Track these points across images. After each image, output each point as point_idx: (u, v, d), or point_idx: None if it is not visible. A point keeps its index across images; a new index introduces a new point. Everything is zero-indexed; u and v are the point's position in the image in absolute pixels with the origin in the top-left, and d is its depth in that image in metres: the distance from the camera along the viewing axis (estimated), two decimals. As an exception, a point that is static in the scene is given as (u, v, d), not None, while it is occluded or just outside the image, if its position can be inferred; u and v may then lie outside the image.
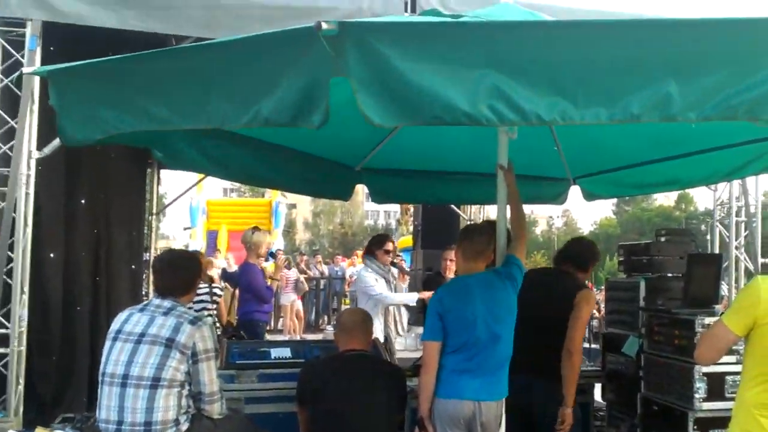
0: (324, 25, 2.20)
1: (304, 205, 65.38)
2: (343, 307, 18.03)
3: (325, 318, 17.03)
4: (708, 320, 4.06)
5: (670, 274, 5.17)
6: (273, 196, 25.51)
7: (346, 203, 64.54)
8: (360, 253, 23.91)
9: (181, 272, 3.44)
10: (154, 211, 10.14)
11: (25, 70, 4.45)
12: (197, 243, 20.71)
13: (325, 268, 19.18)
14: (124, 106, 2.97)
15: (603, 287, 16.94)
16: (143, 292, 8.48)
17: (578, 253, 4.42)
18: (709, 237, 9.53)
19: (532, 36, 2.42)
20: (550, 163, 5.67)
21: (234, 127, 2.67)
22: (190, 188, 11.96)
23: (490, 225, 4.09)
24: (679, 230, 6.89)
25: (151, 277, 9.69)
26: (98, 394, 3.24)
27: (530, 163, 5.07)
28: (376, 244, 6.00)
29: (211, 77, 2.66)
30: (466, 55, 2.33)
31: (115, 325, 3.31)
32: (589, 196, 6.20)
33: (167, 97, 2.81)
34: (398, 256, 6.14)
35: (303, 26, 2.32)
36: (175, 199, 11.08)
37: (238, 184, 59.06)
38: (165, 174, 11.19)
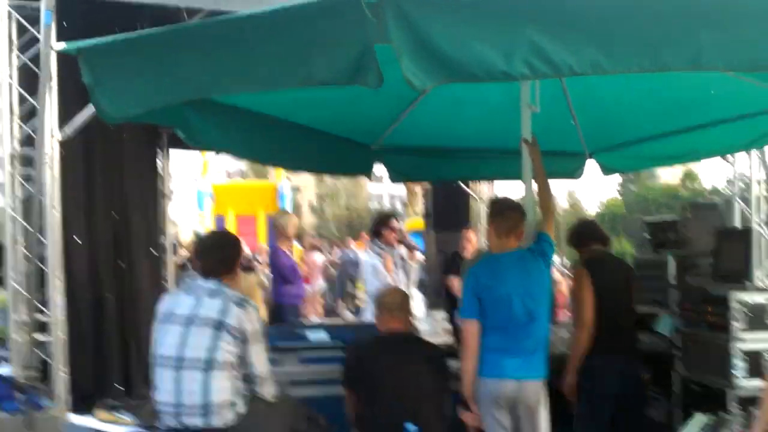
0: None
1: (309, 188, 65.32)
2: (358, 292, 18.06)
3: (342, 303, 17.06)
4: (741, 296, 4.01)
5: (698, 251, 5.14)
6: (277, 178, 25.46)
7: (350, 186, 64.72)
8: (368, 235, 23.98)
9: (223, 253, 3.47)
10: (167, 192, 10.11)
11: (54, 46, 4.40)
12: (206, 229, 20.74)
13: (337, 252, 19.20)
14: (162, 78, 2.98)
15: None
16: (163, 275, 8.46)
17: (595, 230, 4.59)
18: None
19: None
20: (566, 137, 5.65)
21: (285, 87, 2.73)
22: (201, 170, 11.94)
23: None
24: (706, 204, 6.84)
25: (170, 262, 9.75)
26: (153, 376, 3.27)
27: (546, 138, 5.08)
28: (381, 224, 5.98)
29: (254, 44, 2.71)
30: (500, 12, 2.39)
31: (162, 308, 3.34)
32: (606, 170, 6.18)
33: (211, 65, 2.84)
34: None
35: None
36: (186, 182, 11.04)
37: (240, 168, 59.20)
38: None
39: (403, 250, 6.12)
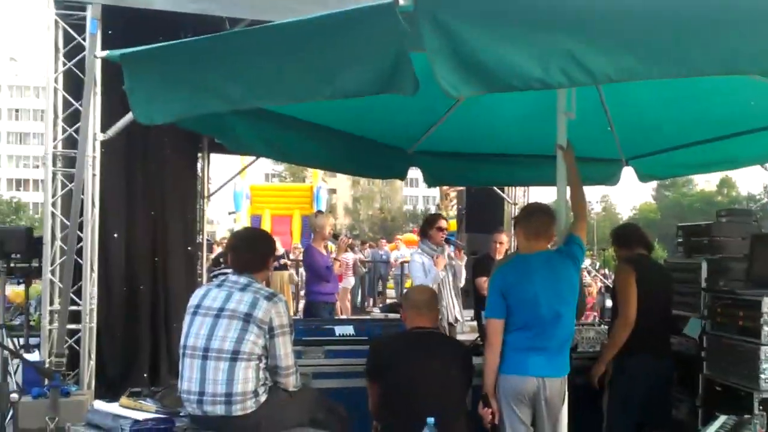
0: (401, 1, 2.30)
1: (344, 191, 65.80)
2: (388, 291, 18.20)
3: (371, 301, 17.20)
4: None
5: (731, 255, 5.10)
6: (314, 181, 25.76)
7: (385, 188, 65.15)
8: (401, 237, 24.19)
9: (257, 249, 3.54)
10: (206, 194, 10.36)
11: (99, 53, 4.57)
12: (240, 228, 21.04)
13: (369, 252, 19.35)
14: (198, 88, 3.03)
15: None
16: (198, 272, 8.69)
17: (643, 235, 4.59)
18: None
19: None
20: (603, 144, 5.61)
21: (315, 99, 2.75)
22: (237, 174, 12.19)
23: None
24: (742, 210, 6.81)
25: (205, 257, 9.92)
26: (180, 366, 3.35)
27: (583, 145, 5.06)
28: (427, 224, 6.09)
29: (288, 55, 2.72)
30: (536, 21, 2.38)
31: (194, 300, 3.41)
32: (643, 176, 6.12)
33: (243, 77, 2.87)
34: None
35: (380, 3, 2.39)
36: (224, 184, 11.28)
37: (279, 170, 60.04)
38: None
39: (450, 249, 6.09)
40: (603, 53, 2.33)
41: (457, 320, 6.06)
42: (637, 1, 2.40)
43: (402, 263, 17.96)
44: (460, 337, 5.88)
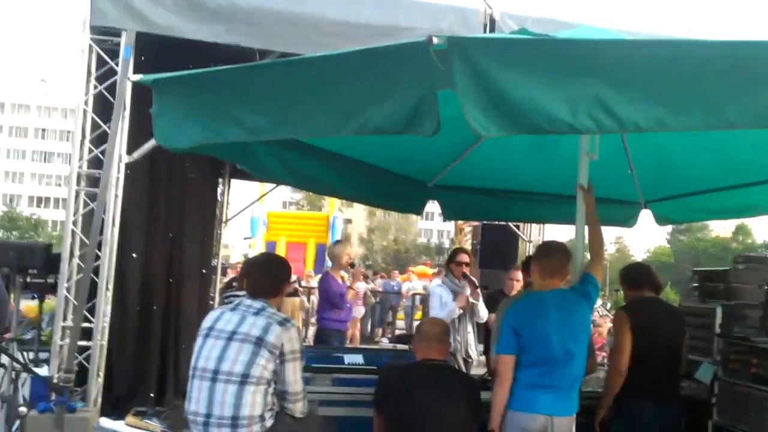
0: (435, 40, 2.34)
1: (360, 221, 65.97)
2: (398, 321, 18.14)
3: (380, 331, 17.13)
4: None
5: (747, 302, 5.09)
6: (330, 210, 25.87)
7: (400, 221, 65.31)
8: (414, 269, 24.15)
9: (272, 275, 3.56)
10: (224, 219, 10.45)
11: (132, 77, 4.66)
12: (256, 253, 21.11)
13: (379, 282, 19.33)
14: (222, 116, 3.09)
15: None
16: (211, 296, 8.74)
17: (652, 276, 4.47)
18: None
19: (632, 51, 2.50)
20: (623, 186, 5.64)
21: (339, 135, 2.78)
22: (256, 201, 12.30)
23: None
24: (760, 258, 6.78)
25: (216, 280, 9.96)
26: (189, 387, 3.36)
27: (603, 186, 5.08)
28: (450, 258, 6.11)
29: (314, 89, 2.77)
30: (567, 68, 2.41)
31: (207, 323, 3.43)
32: (661, 220, 6.14)
33: (268, 108, 2.93)
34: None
35: (413, 41, 2.44)
36: (242, 210, 11.39)
37: (297, 198, 60.36)
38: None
39: (467, 287, 6.01)
40: (633, 102, 2.36)
41: (470, 356, 6.02)
42: (671, 52, 2.43)
43: (413, 295, 17.94)
44: (473, 372, 5.85)
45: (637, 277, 4.47)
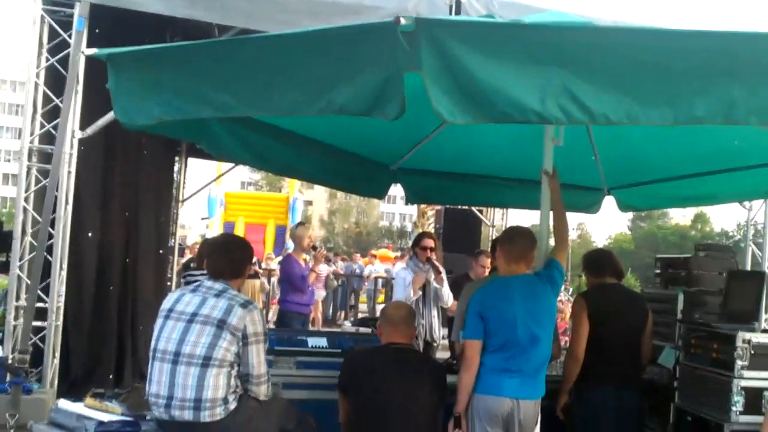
0: (402, 21, 2.26)
1: (320, 203, 65.78)
2: (360, 305, 18.15)
3: (342, 314, 17.12)
4: (749, 336, 4.09)
5: (707, 289, 5.19)
6: (290, 191, 25.67)
7: (362, 203, 65.26)
8: (376, 253, 24.16)
9: (234, 256, 3.48)
10: (181, 199, 10.25)
11: (86, 51, 4.49)
12: (214, 234, 20.88)
13: (341, 265, 19.28)
14: (185, 93, 3.00)
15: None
16: (168, 276, 8.60)
17: (614, 263, 4.47)
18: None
19: (601, 38, 2.47)
20: (587, 172, 5.67)
21: (304, 114, 2.70)
22: (214, 181, 12.11)
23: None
24: (720, 246, 6.96)
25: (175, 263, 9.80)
26: (149, 369, 3.28)
27: (567, 172, 5.08)
28: (415, 242, 6.09)
29: (280, 67, 2.68)
30: (536, 55, 2.36)
31: (166, 304, 3.35)
32: (624, 206, 6.20)
33: (232, 85, 2.83)
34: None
35: (381, 21, 2.38)
36: (199, 189, 11.19)
37: (255, 178, 59.88)
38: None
39: (431, 271, 5.99)
40: (603, 94, 2.34)
41: (434, 340, 6.01)
42: (642, 47, 2.40)
43: (376, 278, 17.94)
44: (437, 356, 5.84)
45: (599, 263, 4.47)
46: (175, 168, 9.42)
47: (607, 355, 4.07)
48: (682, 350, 4.59)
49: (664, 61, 2.37)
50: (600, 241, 63.89)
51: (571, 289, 19.46)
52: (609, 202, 6.32)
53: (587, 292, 4.39)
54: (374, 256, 21.86)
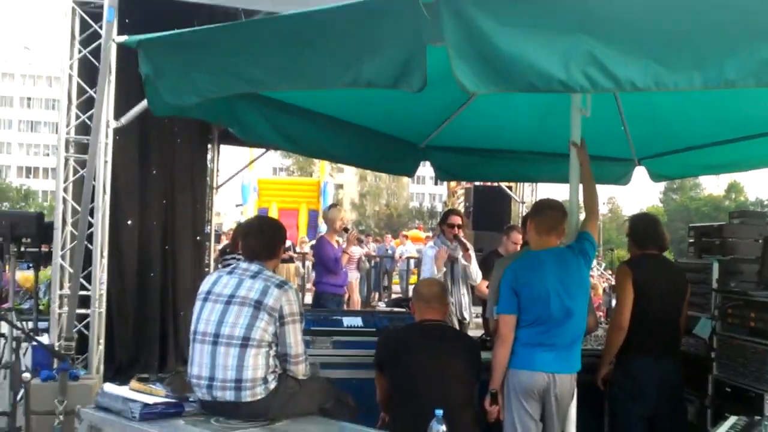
0: None
1: (351, 186, 65.95)
2: (393, 286, 18.25)
3: (376, 295, 17.24)
4: None
5: (743, 257, 5.08)
6: (321, 175, 25.83)
7: (392, 185, 65.23)
8: (407, 233, 24.21)
9: (268, 237, 3.54)
10: (215, 186, 10.41)
11: (117, 38, 4.57)
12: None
13: (373, 247, 19.39)
14: (218, 71, 3.07)
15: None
16: (206, 262, 8.77)
17: (661, 236, 4.41)
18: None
19: (624, 1, 2.40)
20: (616, 143, 5.61)
21: (332, 87, 2.75)
22: (246, 167, 12.26)
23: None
24: (755, 212, 6.80)
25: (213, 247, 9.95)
26: (190, 351, 3.37)
27: (595, 143, 5.04)
28: (442, 219, 6.09)
29: (309, 42, 2.74)
30: (560, 22, 2.34)
31: (204, 287, 3.42)
32: (656, 176, 6.13)
33: (265, 61, 2.91)
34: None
35: None
36: (233, 176, 11.32)
37: (287, 164, 60.18)
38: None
39: (459, 249, 6.00)
40: (629, 59, 2.29)
41: (464, 318, 6.03)
42: (669, 8, 2.34)
43: (408, 258, 18.00)
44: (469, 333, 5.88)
45: (644, 236, 4.37)
46: (208, 156, 9.55)
47: (648, 325, 4.05)
48: (718, 320, 4.53)
49: (690, 22, 2.31)
50: (631, 214, 63.14)
51: (604, 264, 19.29)
52: (640, 173, 6.26)
53: (631, 261, 4.35)
54: (406, 237, 21.92)
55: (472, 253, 6.00)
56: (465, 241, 5.96)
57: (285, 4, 5.33)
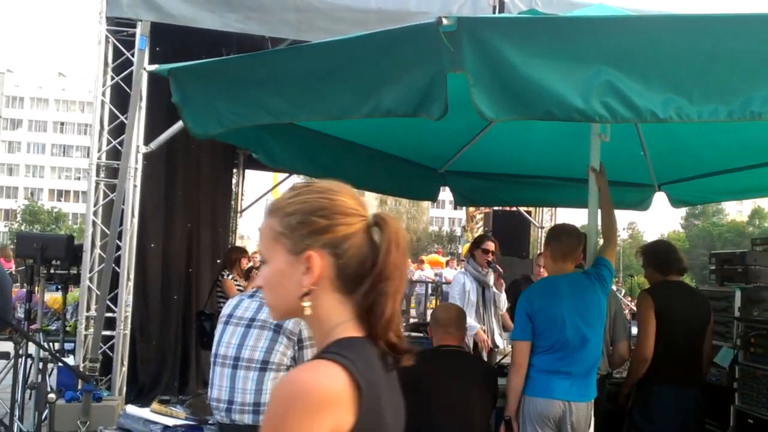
0: (444, 21, 2.30)
1: (371, 210, 65.87)
2: (411, 310, 18.18)
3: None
4: None
5: (766, 285, 5.00)
6: (342, 199, 25.78)
7: (412, 209, 65.19)
8: (426, 258, 24.15)
9: None
10: (239, 209, 10.54)
11: (147, 67, 4.71)
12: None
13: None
14: (240, 101, 3.15)
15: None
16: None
17: (680, 259, 4.38)
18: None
19: (645, 30, 2.39)
20: (636, 168, 5.59)
21: (353, 117, 2.80)
22: (270, 191, 12.38)
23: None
24: (778, 240, 6.66)
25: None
26: (211, 374, 3.39)
27: (615, 168, 5.04)
28: (474, 244, 5.96)
29: (330, 72, 2.79)
30: (579, 51, 2.35)
31: (226, 310, 3.46)
32: (676, 202, 6.10)
33: (286, 92, 2.97)
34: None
35: (424, 22, 2.42)
36: (257, 200, 11.43)
37: (307, 188, 60.51)
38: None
39: (491, 276, 5.83)
40: (650, 91, 2.26)
41: (497, 346, 5.90)
42: (686, 38, 2.32)
43: (426, 283, 17.95)
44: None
45: (667, 261, 4.34)
46: (233, 180, 9.70)
47: (670, 354, 4.00)
48: (741, 350, 4.46)
49: (714, 51, 2.27)
50: (652, 240, 62.46)
51: (623, 290, 19.09)
52: (660, 199, 6.23)
53: (653, 290, 4.29)
54: (422, 261, 21.88)
55: (503, 280, 5.90)
56: (499, 268, 5.85)
57: (309, 32, 5.50)
